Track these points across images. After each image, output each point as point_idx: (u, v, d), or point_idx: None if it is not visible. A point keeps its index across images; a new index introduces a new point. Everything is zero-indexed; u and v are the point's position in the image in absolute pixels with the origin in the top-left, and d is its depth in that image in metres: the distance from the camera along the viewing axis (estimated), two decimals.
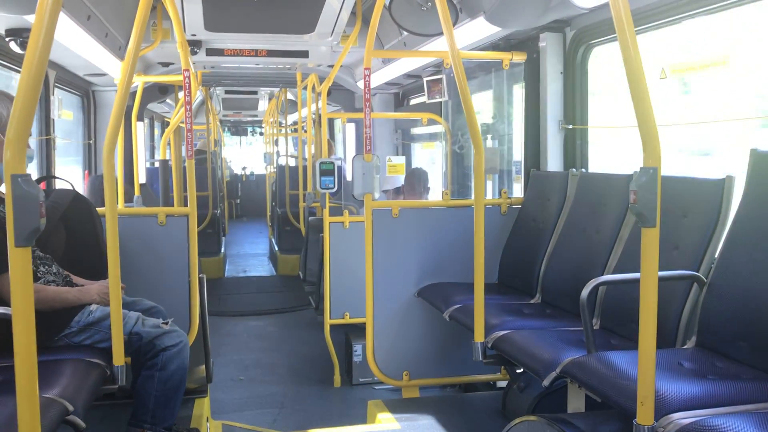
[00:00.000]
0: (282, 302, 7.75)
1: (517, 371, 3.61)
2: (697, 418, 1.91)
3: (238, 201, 16.48)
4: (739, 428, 1.79)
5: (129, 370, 2.94)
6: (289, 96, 10.54)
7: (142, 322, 3.04)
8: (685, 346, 2.61)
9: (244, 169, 17.75)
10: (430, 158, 7.61)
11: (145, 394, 3.02)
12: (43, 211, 1.62)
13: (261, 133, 17.57)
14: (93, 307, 2.99)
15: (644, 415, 1.90)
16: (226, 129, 18.82)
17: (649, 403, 1.89)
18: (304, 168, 8.03)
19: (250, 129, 19.32)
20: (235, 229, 13.92)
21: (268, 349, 6.11)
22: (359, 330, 4.92)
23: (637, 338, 1.90)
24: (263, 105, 13.07)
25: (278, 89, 9.97)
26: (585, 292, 2.48)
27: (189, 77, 3.74)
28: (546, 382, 2.57)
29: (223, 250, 9.72)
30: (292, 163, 9.92)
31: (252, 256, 11.23)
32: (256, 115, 15.40)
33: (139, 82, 5.61)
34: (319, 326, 5.43)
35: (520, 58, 4.23)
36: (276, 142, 11.55)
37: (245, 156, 20.69)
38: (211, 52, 5.72)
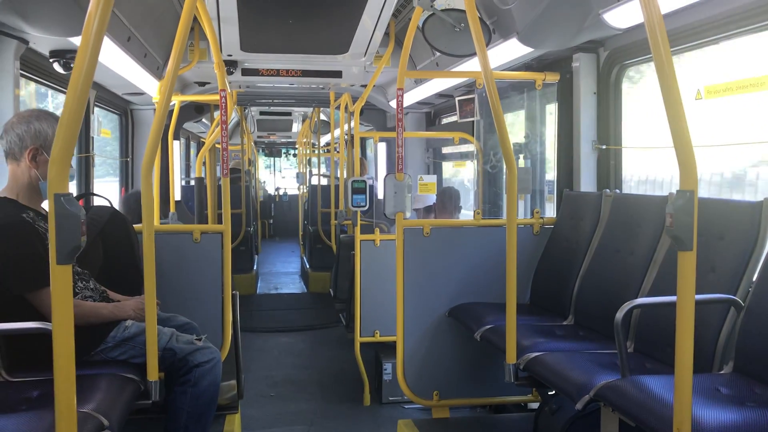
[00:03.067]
0: (312, 319, 7.78)
1: (549, 393, 3.57)
2: None
3: (271, 221, 16.61)
4: None
5: (162, 386, 2.98)
6: (322, 117, 10.65)
7: (176, 338, 3.08)
8: (722, 371, 2.56)
9: (277, 189, 17.93)
10: (460, 178, 7.62)
11: (177, 409, 3.05)
12: (84, 229, 1.66)
13: (294, 155, 17.74)
14: (128, 322, 3.03)
15: None
16: (261, 150, 19.04)
17: (686, 429, 1.86)
18: (336, 187, 8.08)
19: (284, 150, 19.53)
20: (268, 249, 14.03)
21: (298, 365, 6.13)
22: (389, 348, 4.92)
23: (672, 362, 1.88)
24: (297, 126, 13.22)
25: (311, 110, 10.07)
26: (620, 315, 2.45)
27: (225, 97, 3.80)
28: (579, 406, 2.54)
29: (255, 267, 9.80)
30: (324, 182, 9.99)
31: (284, 274, 11.30)
32: (290, 137, 15.58)
33: (176, 101, 5.72)
34: (349, 344, 5.44)
35: (553, 78, 4.22)
36: (309, 162, 11.65)
37: (279, 180, 20.92)
38: (246, 72, 5.81)
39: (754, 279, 2.56)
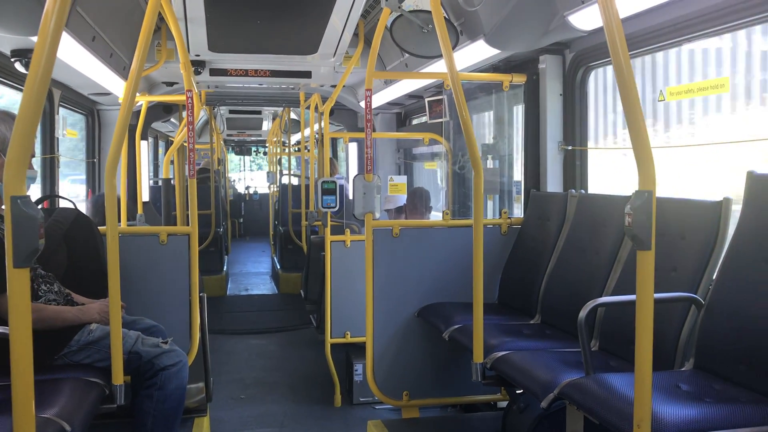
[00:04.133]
0: (283, 321, 7.74)
1: (517, 392, 3.60)
2: None
3: (241, 220, 16.49)
4: None
5: (128, 390, 2.94)
6: (293, 116, 10.62)
7: (141, 342, 3.05)
8: (683, 369, 2.60)
9: (247, 188, 17.80)
10: (432, 179, 7.64)
11: (143, 413, 3.02)
12: (42, 232, 1.63)
13: (265, 153, 17.64)
14: (93, 326, 3.00)
15: None
16: (230, 149, 18.90)
17: (645, 426, 1.89)
18: (307, 187, 8.06)
19: (254, 149, 19.41)
20: (238, 248, 13.93)
21: (268, 367, 6.10)
22: (360, 349, 4.92)
23: (635, 360, 1.91)
24: (267, 125, 13.16)
25: (281, 109, 10.03)
26: (582, 314, 2.48)
27: (192, 97, 3.78)
28: (544, 404, 2.57)
29: (225, 268, 9.74)
30: (294, 182, 9.95)
31: (254, 274, 11.24)
32: (260, 135, 15.49)
33: (143, 101, 5.66)
34: (320, 345, 5.42)
35: (520, 79, 4.26)
36: (279, 162, 11.59)
37: (249, 179, 20.77)
38: (214, 72, 5.77)
39: (714, 277, 2.61)
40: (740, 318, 2.40)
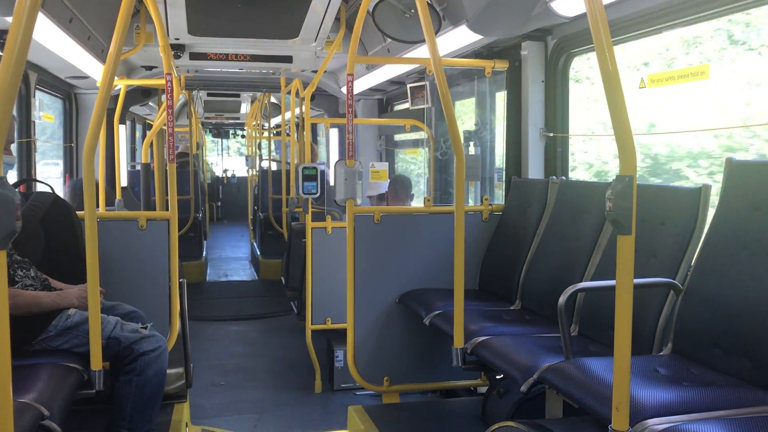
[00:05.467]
0: (264, 307, 7.73)
1: (497, 377, 3.62)
2: (671, 424, 1.93)
3: (219, 204, 16.39)
4: None
5: (107, 375, 2.92)
6: (273, 99, 10.54)
7: (120, 327, 3.03)
8: (661, 353, 2.63)
9: (225, 171, 17.68)
10: (412, 167, 7.64)
11: (122, 399, 3.00)
12: (19, 214, 1.61)
13: (243, 136, 17.51)
14: (71, 311, 2.97)
15: (619, 420, 1.91)
16: (208, 131, 18.73)
17: (624, 409, 1.91)
18: (287, 172, 8.01)
19: (231, 131, 19.25)
20: (216, 233, 13.84)
21: (249, 354, 6.08)
22: (341, 335, 4.92)
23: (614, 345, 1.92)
24: (245, 108, 13.06)
25: (261, 93, 9.95)
26: (562, 299, 2.50)
27: (171, 81, 3.73)
28: (524, 388, 2.58)
29: (204, 254, 9.68)
30: (274, 166, 9.90)
31: (234, 260, 11.18)
32: (238, 118, 15.37)
33: (122, 85, 5.59)
34: (300, 332, 5.42)
35: (502, 66, 4.25)
36: (259, 146, 11.49)
37: (226, 162, 20.62)
38: (194, 56, 5.70)
39: (693, 263, 2.64)
40: (717, 303, 2.43)
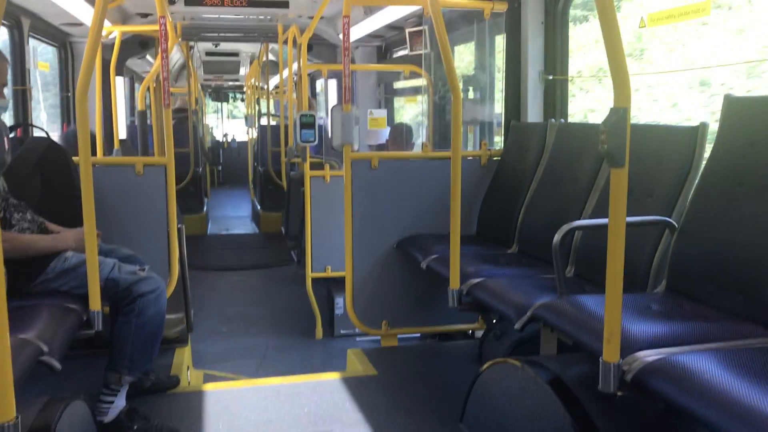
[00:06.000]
0: (264, 258, 7.77)
1: (494, 320, 3.66)
2: (662, 355, 1.95)
3: (220, 168, 16.34)
4: (701, 364, 1.83)
5: (106, 317, 2.95)
6: (271, 57, 10.41)
7: (118, 269, 3.04)
8: (656, 291, 2.65)
9: (225, 135, 17.57)
10: (413, 114, 7.58)
11: (122, 339, 3.02)
12: (8, 144, 1.60)
13: (242, 99, 17.36)
14: (69, 253, 2.97)
15: (610, 352, 1.93)
16: (207, 94, 18.56)
17: (615, 341, 1.92)
18: (286, 126, 7.96)
19: (231, 95, 19.08)
20: (218, 196, 13.83)
21: (250, 302, 6.14)
22: (341, 283, 4.95)
23: None
24: (244, 70, 12.93)
25: (259, 47, 9.83)
26: (557, 237, 2.50)
27: (165, 24, 3.67)
28: (518, 326, 2.61)
29: (205, 208, 9.69)
30: (273, 123, 9.84)
31: (235, 218, 11.21)
32: (237, 80, 15.22)
33: (117, 32, 5.51)
34: (301, 280, 5.46)
35: (501, 7, 4.17)
36: (258, 102, 11.40)
37: (226, 126, 20.53)
38: (189, 1, 5.61)
39: (688, 201, 2.63)
40: (712, 241, 2.43)
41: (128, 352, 3.00)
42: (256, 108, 11.43)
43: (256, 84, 11.55)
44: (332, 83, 9.71)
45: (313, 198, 5.03)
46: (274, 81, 11.59)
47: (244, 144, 15.55)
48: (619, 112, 1.83)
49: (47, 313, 2.65)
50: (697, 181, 2.61)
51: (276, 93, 11.10)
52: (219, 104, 21.08)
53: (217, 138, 17.79)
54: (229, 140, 17.10)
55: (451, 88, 3.22)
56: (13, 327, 1.79)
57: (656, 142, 2.84)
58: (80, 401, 2.41)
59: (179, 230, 3.90)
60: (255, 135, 11.25)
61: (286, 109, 8.01)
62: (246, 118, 12.72)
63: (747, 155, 2.37)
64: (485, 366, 2.62)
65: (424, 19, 5.29)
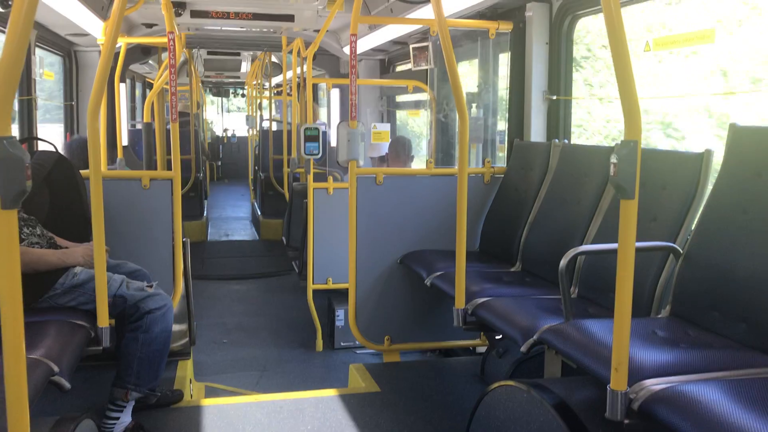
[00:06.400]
0: (265, 267, 7.78)
1: (496, 337, 3.69)
2: (668, 384, 1.98)
3: (219, 163, 16.38)
4: (707, 394, 1.86)
5: (113, 332, 2.97)
6: (274, 58, 10.44)
7: (126, 285, 3.06)
8: (659, 316, 2.67)
9: (225, 131, 17.62)
10: (415, 127, 7.61)
11: (129, 355, 3.05)
12: (29, 173, 1.62)
13: (243, 95, 17.37)
14: (77, 269, 2.99)
15: (618, 380, 1.96)
16: (208, 90, 18.59)
17: (623, 369, 1.95)
18: (289, 132, 7.98)
19: (231, 90, 19.09)
20: (217, 192, 13.86)
21: (251, 312, 6.16)
22: (342, 295, 4.98)
23: (613, 307, 1.95)
24: (246, 66, 12.96)
25: (262, 51, 9.86)
26: (564, 262, 2.53)
27: (174, 39, 3.70)
28: (524, 348, 2.63)
29: (205, 213, 9.70)
30: (274, 127, 9.87)
31: (234, 219, 11.22)
32: (238, 77, 15.25)
33: (122, 43, 5.53)
34: (302, 291, 5.48)
35: (506, 27, 4.22)
36: (259, 106, 11.41)
37: (226, 120, 20.53)
38: (195, 14, 5.63)
39: (693, 227, 2.66)
40: (716, 267, 2.46)
41: (135, 369, 3.02)
42: (258, 111, 11.44)
43: (258, 83, 11.57)
44: (335, 93, 9.75)
45: (316, 210, 5.06)
46: (275, 80, 11.61)
47: (243, 139, 15.57)
48: (630, 145, 1.86)
49: (56, 330, 2.67)
50: (702, 208, 2.64)
51: (278, 93, 11.11)
52: (219, 99, 21.08)
53: (217, 133, 17.82)
54: (229, 135, 17.14)
55: (457, 108, 3.25)
56: None
57: (661, 167, 2.88)
58: (89, 419, 2.43)
59: (184, 244, 3.92)
60: (255, 133, 11.24)
61: (289, 115, 8.04)
62: (247, 118, 12.74)
63: (753, 184, 2.40)
64: (490, 387, 2.64)
65: (428, 35, 5.32)
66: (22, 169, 1.61)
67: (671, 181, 2.82)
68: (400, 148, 5.98)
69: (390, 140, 5.64)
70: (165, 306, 3.10)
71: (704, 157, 2.71)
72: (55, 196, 3.31)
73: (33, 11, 1.64)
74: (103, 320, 2.78)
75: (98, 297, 2.77)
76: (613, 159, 1.87)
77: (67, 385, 2.36)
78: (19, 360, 1.74)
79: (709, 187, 2.66)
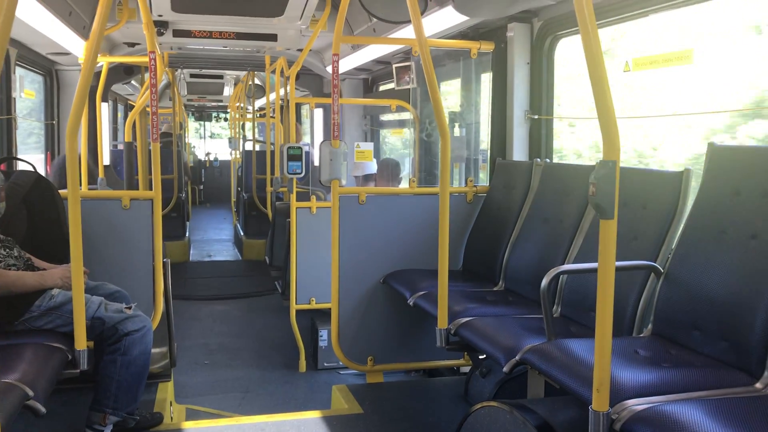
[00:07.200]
0: (248, 287, 7.73)
1: (480, 357, 3.67)
2: (650, 404, 1.97)
3: (202, 187, 16.33)
4: (689, 414, 1.86)
5: (91, 355, 2.92)
6: (256, 81, 10.46)
7: (104, 307, 3.02)
8: (641, 335, 2.68)
9: (207, 155, 17.59)
10: (399, 146, 7.63)
11: (107, 378, 3.00)
12: (3, 194, 1.59)
13: (225, 119, 17.38)
14: (55, 291, 2.95)
15: (600, 401, 1.95)
16: (190, 114, 18.59)
17: (604, 390, 1.94)
18: (272, 153, 7.97)
19: (214, 114, 19.11)
20: (199, 215, 13.79)
21: (233, 333, 6.10)
22: (325, 315, 4.94)
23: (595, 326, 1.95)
24: (228, 90, 12.98)
25: (245, 73, 9.86)
26: (545, 281, 2.53)
27: (155, 59, 3.69)
28: (506, 369, 2.62)
29: (187, 234, 9.64)
30: (258, 148, 9.86)
31: (216, 241, 11.16)
32: (221, 100, 15.26)
33: (104, 62, 5.51)
34: (285, 311, 5.44)
35: (487, 47, 4.25)
36: (242, 127, 11.40)
37: (209, 145, 20.55)
38: (177, 33, 5.62)
39: (674, 246, 2.68)
40: (697, 286, 2.47)
41: (113, 392, 2.97)
42: (241, 132, 11.44)
43: (241, 106, 11.59)
44: (318, 112, 9.76)
45: (298, 229, 5.03)
46: (259, 102, 11.63)
47: (226, 163, 15.56)
48: (608, 165, 1.87)
49: (32, 353, 2.62)
50: (682, 227, 2.66)
51: (261, 115, 11.12)
52: (202, 123, 21.08)
53: (199, 157, 17.79)
54: (212, 159, 17.11)
55: (438, 128, 3.26)
56: None
57: (641, 185, 2.89)
58: None
59: (164, 264, 3.88)
60: (238, 155, 11.23)
61: (272, 134, 8.04)
62: (230, 140, 12.74)
63: (732, 203, 2.42)
64: (473, 408, 2.62)
65: (411, 55, 5.35)
66: None
67: (651, 199, 2.84)
68: (386, 170, 6.00)
69: (375, 160, 5.65)
70: (144, 328, 3.06)
71: (683, 176, 2.73)
72: (33, 217, 3.27)
73: (8, 31, 1.62)
74: (81, 343, 2.74)
75: (76, 319, 2.72)
76: (592, 179, 1.88)
77: (42, 409, 2.31)
78: None
79: (689, 206, 2.67)
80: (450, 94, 5.74)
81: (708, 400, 2.00)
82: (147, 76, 3.87)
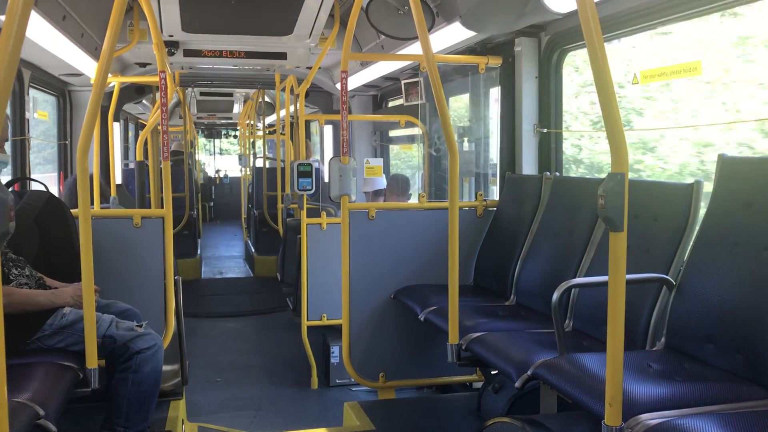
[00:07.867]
0: (259, 304, 7.74)
1: (492, 372, 3.64)
2: (664, 419, 1.95)
3: (212, 204, 16.40)
4: (703, 429, 1.83)
5: (103, 373, 2.93)
6: (266, 98, 10.54)
7: (116, 325, 3.03)
8: (654, 348, 2.65)
9: (218, 172, 17.68)
10: (409, 161, 7.64)
11: (118, 397, 3.00)
12: (12, 215, 1.61)
13: (235, 136, 17.47)
14: (66, 309, 2.96)
15: (612, 416, 1.92)
16: (200, 131, 18.72)
17: (617, 405, 1.92)
18: (282, 169, 8.01)
19: (224, 132, 19.22)
20: (209, 233, 13.84)
21: (245, 350, 6.10)
22: (336, 332, 4.93)
23: None
24: (238, 107, 13.06)
25: (254, 91, 9.94)
26: (556, 295, 2.51)
27: (165, 79, 3.73)
28: (518, 384, 2.60)
29: (199, 251, 9.68)
30: (268, 165, 9.91)
31: (228, 258, 11.19)
32: (230, 118, 15.36)
33: (116, 82, 5.57)
34: (296, 328, 5.43)
35: (495, 62, 4.26)
36: (252, 144, 11.47)
37: (218, 162, 20.67)
38: (188, 53, 5.69)
39: (685, 258, 2.65)
40: (709, 298, 2.45)
41: (124, 410, 2.97)
42: (251, 150, 11.50)
43: (251, 123, 11.66)
44: (328, 129, 9.81)
45: (309, 245, 5.04)
46: (268, 119, 11.71)
47: (236, 179, 15.62)
48: (617, 178, 1.86)
49: (43, 372, 2.63)
50: (693, 239, 2.64)
51: (270, 132, 11.18)
52: (211, 140, 21.23)
53: (209, 174, 17.88)
54: (222, 176, 17.19)
55: (447, 143, 3.25)
56: (8, 388, 1.78)
57: (652, 198, 2.88)
58: None
59: (176, 282, 3.89)
60: (248, 173, 11.28)
61: (282, 151, 8.08)
62: (240, 157, 12.82)
63: (743, 215, 2.40)
64: (486, 424, 2.60)
65: (419, 71, 5.38)
66: (6, 211, 1.60)
67: (662, 212, 2.82)
68: (396, 185, 6.01)
69: (384, 176, 5.66)
70: (155, 346, 3.06)
71: (694, 188, 2.71)
72: (45, 236, 3.29)
73: (18, 53, 1.63)
74: (92, 361, 2.74)
75: (87, 338, 2.73)
76: (601, 192, 1.87)
77: (54, 429, 2.31)
78: (1, 403, 1.71)
79: (701, 218, 2.66)
80: (459, 109, 5.76)
81: (722, 414, 1.98)
82: (158, 95, 3.90)
